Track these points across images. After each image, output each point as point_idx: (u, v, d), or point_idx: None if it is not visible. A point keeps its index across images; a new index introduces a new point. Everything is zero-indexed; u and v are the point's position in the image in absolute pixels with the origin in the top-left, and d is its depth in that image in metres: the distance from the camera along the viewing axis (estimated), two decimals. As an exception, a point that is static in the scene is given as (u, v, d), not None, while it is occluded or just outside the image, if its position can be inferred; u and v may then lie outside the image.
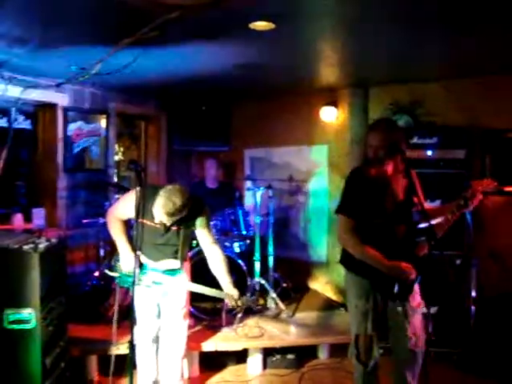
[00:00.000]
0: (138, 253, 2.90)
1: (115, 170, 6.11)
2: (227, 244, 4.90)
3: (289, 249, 5.93)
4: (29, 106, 4.98)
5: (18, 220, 4.57)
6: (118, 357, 3.37)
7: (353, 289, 3.00)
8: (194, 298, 3.86)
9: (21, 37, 3.32)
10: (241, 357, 4.22)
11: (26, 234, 3.77)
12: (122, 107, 5.88)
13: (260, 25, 3.05)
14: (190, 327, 3.71)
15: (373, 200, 2.85)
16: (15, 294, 2.93)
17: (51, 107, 5.04)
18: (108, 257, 4.73)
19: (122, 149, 7.32)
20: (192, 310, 4.25)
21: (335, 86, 5.36)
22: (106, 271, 3.47)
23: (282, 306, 4.76)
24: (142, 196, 2.83)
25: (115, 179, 6.13)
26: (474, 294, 4.19)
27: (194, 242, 3.70)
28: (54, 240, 3.30)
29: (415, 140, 4.46)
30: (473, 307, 4.16)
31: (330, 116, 5.50)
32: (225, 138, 6.30)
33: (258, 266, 4.86)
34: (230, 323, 4.34)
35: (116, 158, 6.16)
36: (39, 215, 4.80)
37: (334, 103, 5.49)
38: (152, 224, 3.15)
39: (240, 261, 4.67)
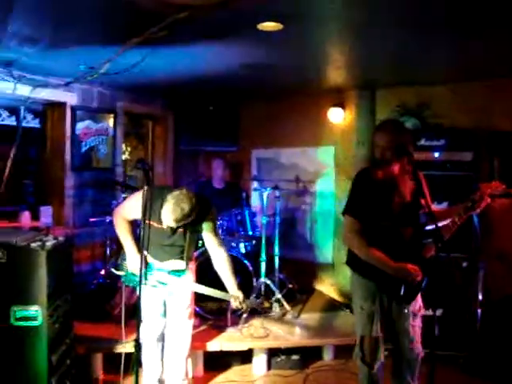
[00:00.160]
0: (145, 253, 2.91)
1: (122, 169, 6.12)
2: (233, 244, 4.90)
3: (295, 250, 5.92)
4: (37, 105, 5.01)
5: (25, 218, 4.59)
6: (124, 355, 3.39)
7: (358, 290, 3.00)
8: (200, 297, 3.86)
9: (30, 36, 3.34)
10: (245, 357, 4.22)
11: (33, 232, 3.79)
12: (130, 106, 5.90)
13: (268, 25, 3.06)
14: (195, 327, 3.73)
15: (379, 201, 2.85)
16: (22, 291, 2.95)
17: (60, 106, 5.07)
18: (114, 255, 4.75)
19: (129, 148, 7.35)
20: (197, 309, 4.25)
21: (342, 88, 5.36)
22: (113, 270, 3.48)
23: (287, 306, 4.76)
24: (149, 197, 2.83)
25: (122, 178, 6.15)
26: (480, 296, 4.17)
27: (200, 241, 3.70)
28: (61, 238, 3.31)
29: (422, 142, 4.44)
30: (479, 310, 4.15)
31: (338, 117, 5.50)
32: (232, 138, 6.30)
33: (263, 266, 4.86)
34: (235, 323, 4.34)
35: (123, 157, 6.18)
36: (47, 213, 4.82)
37: (342, 104, 5.49)
38: (159, 226, 3.16)
39: (246, 261, 4.67)
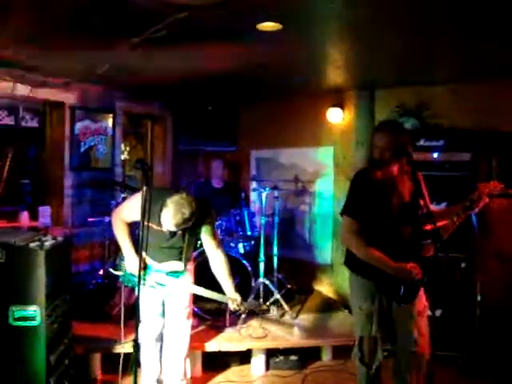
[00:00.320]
0: (144, 254, 2.90)
1: (121, 169, 6.12)
2: (232, 244, 4.90)
3: (294, 250, 5.92)
4: (36, 105, 5.00)
5: (24, 218, 4.59)
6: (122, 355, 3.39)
7: (357, 291, 3.00)
8: (198, 297, 3.85)
9: (30, 36, 3.34)
10: (244, 357, 4.22)
11: (32, 232, 3.78)
12: (129, 106, 5.90)
13: (267, 25, 3.06)
14: (193, 327, 3.73)
15: (378, 202, 2.85)
16: (21, 291, 2.94)
17: (59, 106, 5.06)
18: (113, 255, 4.75)
19: (127, 148, 7.34)
20: (196, 309, 4.25)
21: (342, 88, 5.36)
22: (111, 270, 3.48)
23: (286, 307, 4.75)
24: (148, 199, 2.81)
25: (121, 178, 6.15)
26: (479, 296, 4.17)
27: (199, 242, 3.70)
28: (59, 238, 3.31)
29: (421, 142, 4.44)
30: (478, 310, 4.15)
31: (337, 117, 5.50)
32: (231, 138, 6.30)
33: (262, 266, 4.86)
34: (233, 324, 4.34)
35: (122, 157, 6.18)
36: (45, 213, 4.81)
37: (341, 105, 5.49)
38: (158, 228, 3.16)
39: (245, 261, 4.67)
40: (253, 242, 5.09)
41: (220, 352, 4.08)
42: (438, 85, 4.81)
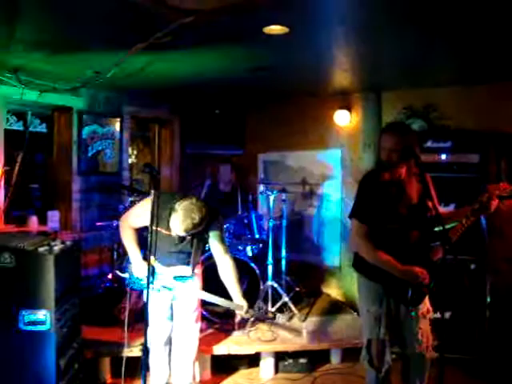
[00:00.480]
0: (152, 259, 2.90)
1: (129, 174, 6.15)
2: (240, 247, 4.90)
3: (302, 253, 5.92)
4: (44, 110, 5.04)
5: (33, 222, 4.62)
6: (131, 359, 3.39)
7: (365, 293, 2.99)
8: (207, 301, 3.86)
9: (37, 41, 3.36)
10: (253, 360, 4.21)
11: (41, 236, 3.80)
12: (136, 111, 5.93)
13: (274, 29, 3.06)
14: (201, 330, 3.73)
15: (386, 204, 2.84)
16: (30, 295, 2.96)
17: (66, 111, 5.10)
18: (120, 258, 4.76)
19: (135, 152, 7.38)
20: (204, 313, 4.25)
21: (349, 90, 5.36)
22: (117, 272, 3.49)
23: (294, 310, 4.74)
24: (157, 204, 2.81)
25: (129, 182, 6.17)
26: (488, 298, 4.15)
27: (207, 246, 3.70)
28: (68, 242, 3.33)
29: (429, 144, 4.43)
30: (487, 312, 4.12)
31: (344, 120, 5.49)
32: (239, 141, 6.31)
33: (270, 269, 4.85)
34: (242, 327, 4.33)
35: (129, 161, 6.20)
36: (54, 218, 4.85)
37: (348, 107, 5.48)
38: (167, 232, 3.17)
39: (253, 264, 4.67)
40: (261, 245, 5.08)
41: (229, 355, 4.08)
42: (445, 86, 4.79)
